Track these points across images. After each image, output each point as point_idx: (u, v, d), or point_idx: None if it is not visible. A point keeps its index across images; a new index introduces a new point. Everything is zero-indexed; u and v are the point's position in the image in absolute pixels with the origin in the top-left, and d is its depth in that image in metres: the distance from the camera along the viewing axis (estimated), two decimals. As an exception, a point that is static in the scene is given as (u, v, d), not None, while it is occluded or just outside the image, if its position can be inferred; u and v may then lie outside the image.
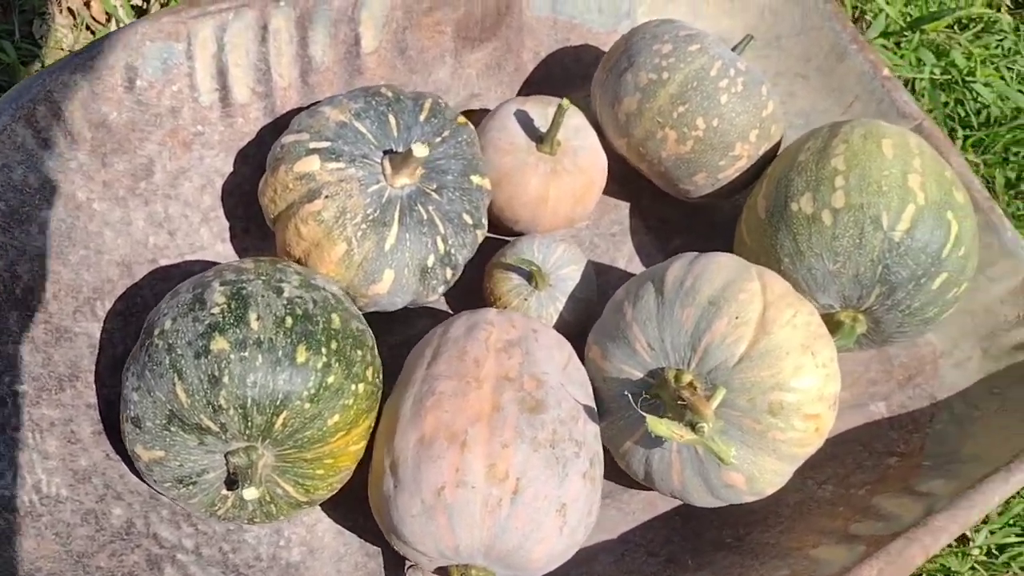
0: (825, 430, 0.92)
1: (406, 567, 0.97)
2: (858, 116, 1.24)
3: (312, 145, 0.93)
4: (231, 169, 1.06)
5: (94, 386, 0.91)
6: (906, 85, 1.92)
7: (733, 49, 1.13)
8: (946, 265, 0.98)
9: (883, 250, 0.96)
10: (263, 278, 0.84)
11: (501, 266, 1.06)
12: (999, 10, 2.15)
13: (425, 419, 0.84)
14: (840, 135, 1.04)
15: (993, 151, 1.86)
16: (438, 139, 0.98)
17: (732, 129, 1.07)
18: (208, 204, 1.05)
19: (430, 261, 0.96)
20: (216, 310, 0.80)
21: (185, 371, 0.78)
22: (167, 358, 0.79)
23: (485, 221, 1.03)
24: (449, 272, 0.99)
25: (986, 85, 1.95)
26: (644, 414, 0.84)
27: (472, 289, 1.11)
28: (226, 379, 0.78)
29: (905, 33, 1.99)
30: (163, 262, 1.01)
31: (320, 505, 0.98)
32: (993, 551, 1.32)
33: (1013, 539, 1.31)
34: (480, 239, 1.03)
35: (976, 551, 1.32)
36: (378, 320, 1.06)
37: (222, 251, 1.07)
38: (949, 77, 1.96)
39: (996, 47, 2.05)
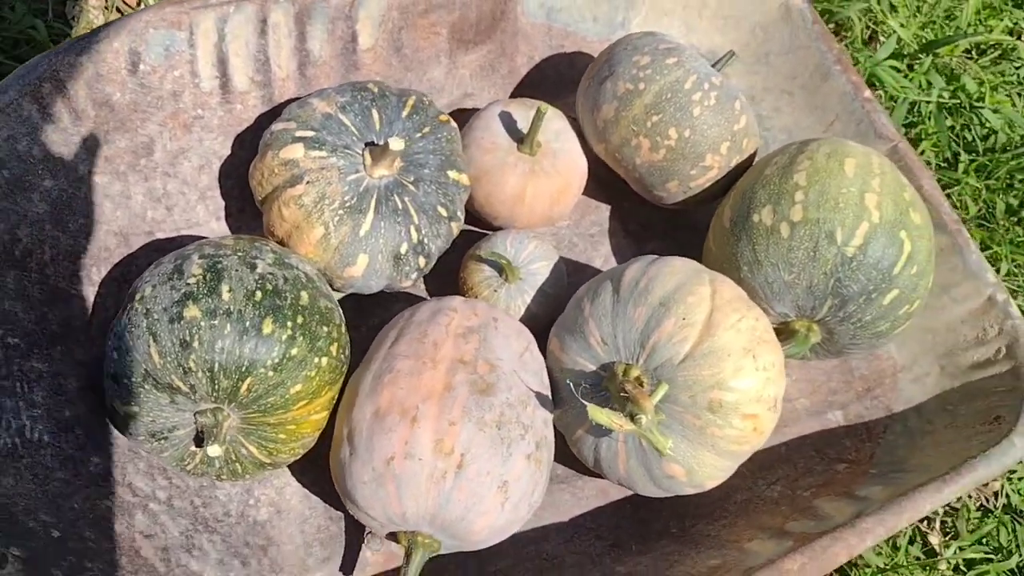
0: (764, 430, 0.97)
1: (365, 533, 1.03)
2: (838, 134, 1.28)
3: (298, 134, 1.00)
4: (229, 152, 1.13)
5: (85, 345, 0.98)
6: (912, 107, 1.95)
7: (714, 65, 1.18)
8: (897, 282, 1.02)
9: (836, 264, 1.01)
10: (239, 254, 0.91)
11: (475, 258, 1.12)
12: (1020, 37, 2.16)
13: (381, 394, 0.90)
14: (807, 152, 1.08)
15: (996, 176, 1.88)
16: (418, 135, 1.05)
17: (703, 140, 1.12)
18: (205, 183, 1.12)
19: (403, 248, 1.02)
20: (192, 280, 0.87)
21: (160, 334, 0.85)
22: (144, 321, 0.86)
23: (461, 214, 1.09)
24: (422, 260, 1.05)
25: (995, 111, 1.96)
26: (585, 403, 0.89)
27: (450, 279, 1.17)
28: (196, 344, 0.85)
29: (919, 56, 2.01)
30: (159, 235, 1.09)
31: (289, 470, 1.05)
32: (961, 567, 1.36)
33: (981, 555, 1.34)
34: (455, 231, 1.09)
35: (944, 565, 1.35)
36: (358, 303, 1.13)
37: (217, 228, 1.14)
38: (958, 101, 1.98)
39: (1012, 75, 2.06)
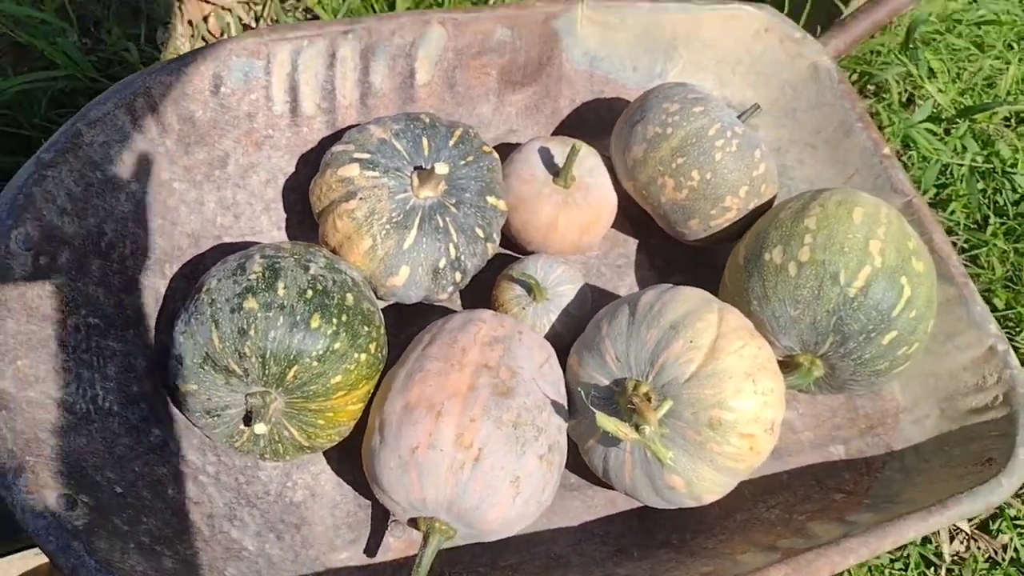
0: (760, 450, 1.05)
1: (389, 520, 1.13)
2: (857, 187, 1.36)
3: (355, 155, 1.12)
4: (293, 169, 1.26)
5: (153, 331, 1.10)
6: (945, 169, 2.02)
7: (740, 116, 1.28)
8: (896, 324, 1.10)
9: (838, 303, 1.09)
10: (295, 257, 1.03)
11: (507, 278, 1.22)
12: (1060, 109, 2.19)
13: (412, 390, 1.01)
14: (819, 199, 1.17)
15: (1024, 240, 1.93)
16: (462, 162, 1.16)
17: (723, 183, 1.22)
18: (270, 196, 1.25)
19: (441, 263, 1.13)
20: (252, 277, 0.99)
21: (221, 322, 0.97)
22: (208, 310, 0.98)
23: (497, 237, 1.20)
24: (458, 275, 1.16)
25: (1027, 178, 2.01)
26: (594, 410, 0.99)
27: (484, 296, 1.28)
28: (252, 332, 0.96)
29: (956, 121, 2.08)
30: (226, 240, 1.21)
31: (325, 459, 1.15)
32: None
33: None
34: (491, 252, 1.20)
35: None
36: (399, 312, 1.24)
37: (277, 237, 1.26)
38: (991, 166, 2.04)
39: (1049, 145, 2.10)
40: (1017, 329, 1.82)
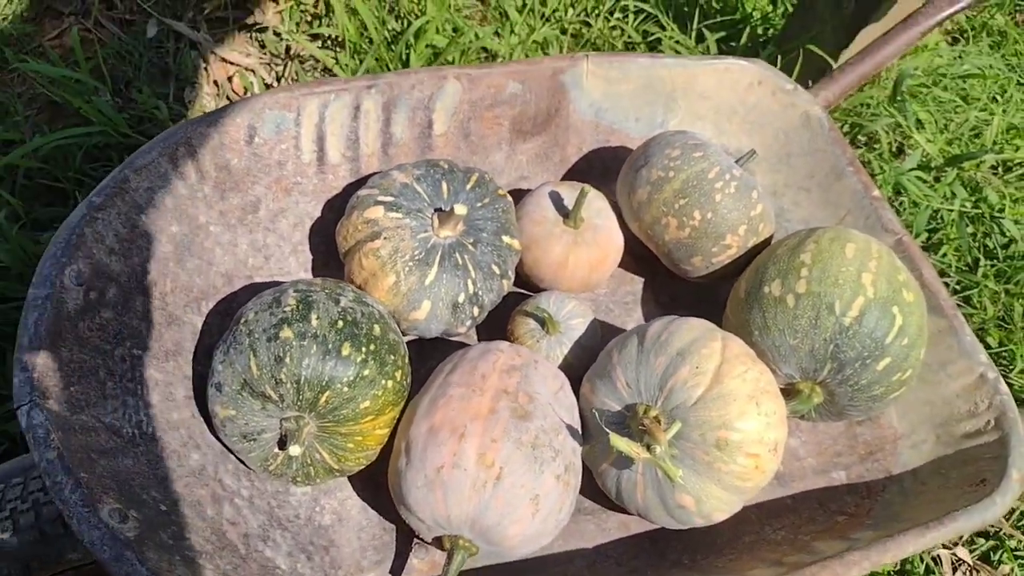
0: (765, 469, 1.11)
1: (413, 542, 1.19)
2: (849, 227, 1.44)
3: (380, 198, 1.20)
4: (319, 214, 1.34)
5: (191, 363, 1.17)
6: (935, 214, 2.10)
7: (738, 161, 1.37)
8: (889, 351, 1.16)
9: (834, 331, 1.16)
10: (326, 291, 1.10)
11: (522, 312, 1.30)
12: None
13: (436, 414, 1.08)
14: (814, 236, 1.25)
15: (1015, 281, 2.00)
16: (479, 204, 1.24)
17: (723, 222, 1.30)
18: (298, 239, 1.33)
19: (460, 298, 1.21)
20: (288, 309, 1.06)
21: (259, 350, 1.04)
22: (247, 340, 1.05)
23: (512, 274, 1.28)
24: (476, 310, 1.23)
25: (1015, 222, 2.09)
26: (608, 430, 1.05)
27: (499, 330, 1.35)
28: (288, 360, 1.03)
29: (945, 169, 2.17)
30: (257, 279, 1.29)
31: (351, 486, 1.21)
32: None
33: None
34: (506, 288, 1.27)
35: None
36: (420, 347, 1.31)
37: (304, 277, 1.33)
38: (979, 211, 2.12)
39: (1035, 191, 2.19)
40: (1011, 367, 1.89)
